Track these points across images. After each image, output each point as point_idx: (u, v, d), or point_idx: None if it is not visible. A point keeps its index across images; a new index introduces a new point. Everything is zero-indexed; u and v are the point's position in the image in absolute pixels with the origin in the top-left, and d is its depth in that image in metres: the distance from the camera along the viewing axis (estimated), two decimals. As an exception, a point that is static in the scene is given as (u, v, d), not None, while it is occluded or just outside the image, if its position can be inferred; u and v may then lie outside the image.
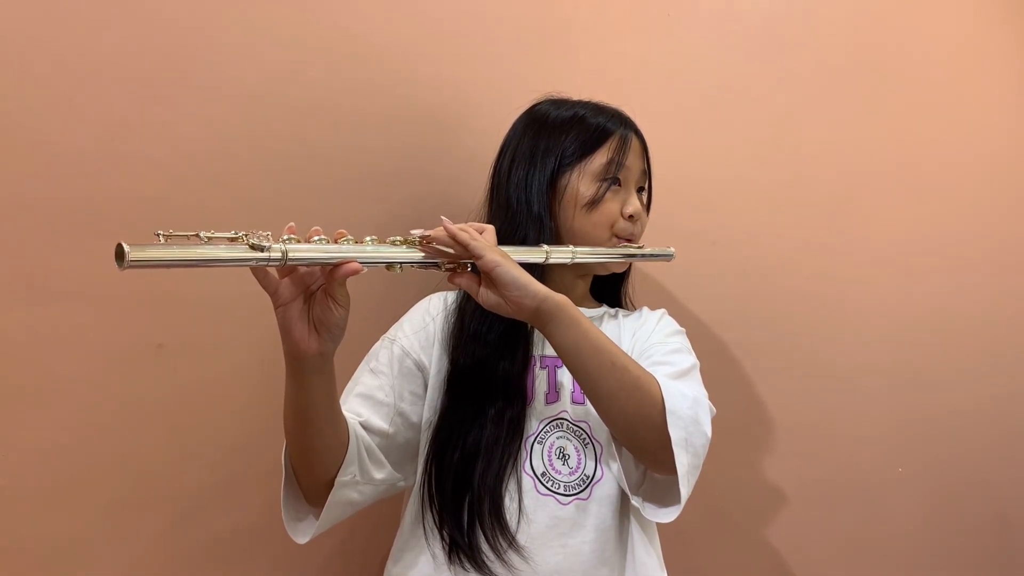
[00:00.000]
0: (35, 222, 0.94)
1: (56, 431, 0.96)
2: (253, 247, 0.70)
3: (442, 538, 0.93)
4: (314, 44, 1.11)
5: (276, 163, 1.09)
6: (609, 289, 1.15)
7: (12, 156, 0.92)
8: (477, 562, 0.90)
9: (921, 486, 1.54)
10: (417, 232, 0.85)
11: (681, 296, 1.38)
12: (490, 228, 0.90)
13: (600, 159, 1.03)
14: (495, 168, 1.08)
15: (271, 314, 1.06)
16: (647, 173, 1.10)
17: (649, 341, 1.01)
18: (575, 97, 1.09)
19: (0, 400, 0.92)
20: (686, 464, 0.85)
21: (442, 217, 0.86)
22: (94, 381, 0.98)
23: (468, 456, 0.93)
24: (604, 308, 1.10)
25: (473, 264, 0.86)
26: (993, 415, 1.59)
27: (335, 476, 0.88)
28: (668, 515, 0.89)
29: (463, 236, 0.84)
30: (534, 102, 1.09)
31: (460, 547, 0.91)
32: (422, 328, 1.01)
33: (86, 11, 0.96)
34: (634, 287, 1.18)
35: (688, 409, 0.87)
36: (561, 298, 0.86)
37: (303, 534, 0.90)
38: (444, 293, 1.05)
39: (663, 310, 1.09)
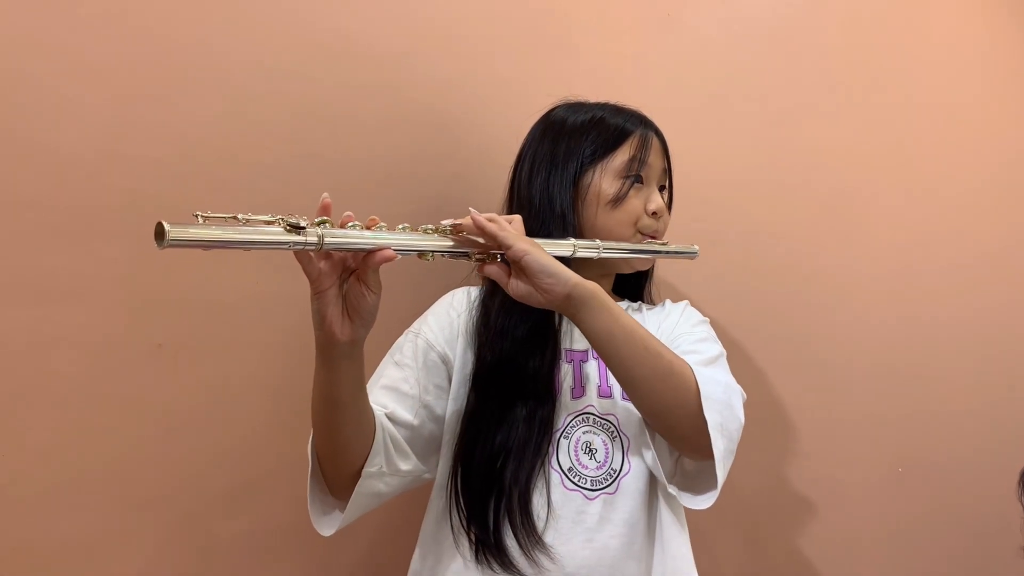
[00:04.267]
0: (35, 222, 0.94)
1: (56, 431, 0.96)
2: (290, 228, 0.70)
3: (469, 538, 0.92)
4: (315, 45, 1.11)
5: (277, 164, 1.09)
6: (633, 289, 1.15)
7: (12, 156, 0.92)
8: (504, 561, 0.90)
9: (921, 486, 1.53)
10: (447, 221, 0.84)
11: (679, 294, 1.37)
12: (517, 218, 0.90)
13: (622, 157, 1.03)
14: (514, 176, 1.07)
15: (271, 314, 1.07)
16: (668, 171, 1.10)
17: (675, 332, 1.01)
18: (591, 100, 1.09)
19: (0, 400, 0.92)
20: (722, 448, 0.86)
21: (470, 208, 0.85)
22: (94, 381, 0.97)
23: (497, 455, 0.93)
24: (627, 303, 1.10)
25: (503, 255, 0.86)
26: (993, 415, 1.59)
27: (361, 467, 0.88)
28: (704, 502, 0.90)
29: (491, 227, 0.83)
30: (549, 108, 1.09)
31: (487, 546, 0.91)
32: (447, 322, 1.01)
33: (86, 11, 0.96)
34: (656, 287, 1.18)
35: (722, 394, 0.88)
36: (592, 284, 0.86)
37: (328, 526, 0.91)
38: (468, 288, 1.05)
39: (686, 302, 1.09)
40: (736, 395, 0.91)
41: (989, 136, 1.63)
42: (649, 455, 0.94)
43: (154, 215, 0.98)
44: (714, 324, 1.40)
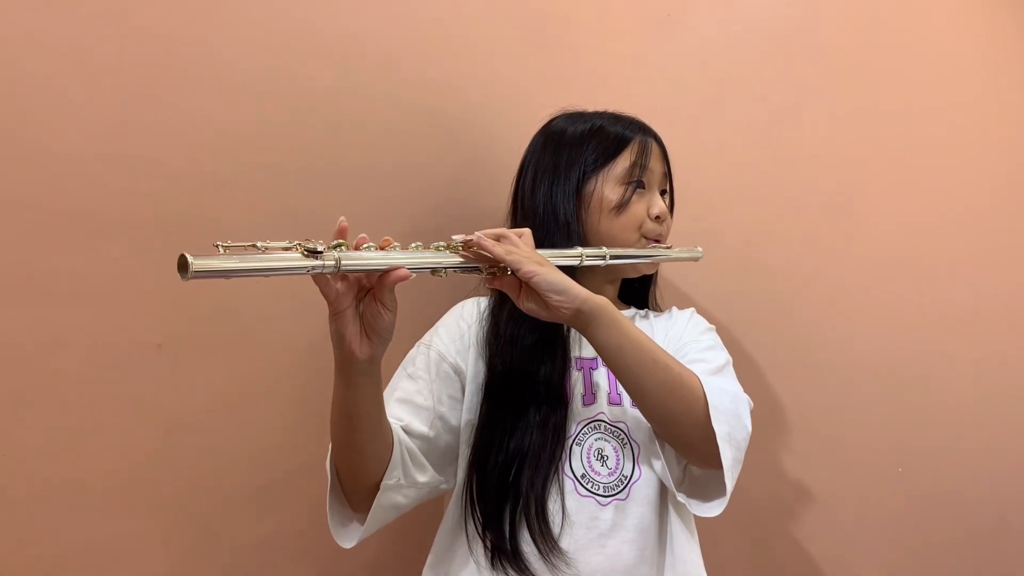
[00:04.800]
0: (35, 222, 0.94)
1: (56, 431, 0.95)
2: (308, 253, 0.73)
3: (485, 544, 0.93)
4: (315, 44, 1.11)
5: (277, 162, 1.09)
6: (637, 293, 1.16)
7: (12, 156, 0.92)
8: (521, 567, 0.91)
9: (921, 486, 1.53)
10: (458, 237, 0.86)
11: (679, 295, 1.37)
12: (527, 232, 0.91)
13: (623, 163, 1.05)
14: (517, 186, 1.09)
15: (272, 314, 1.07)
16: (668, 176, 1.11)
17: (682, 340, 1.02)
18: (590, 108, 1.10)
19: (0, 400, 0.92)
20: (730, 458, 0.87)
21: (476, 233, 0.86)
22: (94, 381, 0.97)
23: (512, 462, 0.94)
24: (633, 310, 1.11)
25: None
26: (993, 415, 1.59)
27: (379, 480, 0.89)
28: (713, 509, 0.91)
29: (498, 250, 0.84)
30: (549, 118, 1.10)
31: (503, 552, 0.92)
32: (457, 334, 1.02)
33: (86, 11, 0.96)
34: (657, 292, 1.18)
35: (729, 403, 0.89)
36: (601, 299, 0.87)
37: (349, 539, 0.92)
38: (477, 298, 1.07)
39: (692, 309, 1.10)
40: (743, 404, 0.92)
41: (990, 136, 1.63)
42: (658, 464, 0.95)
43: (154, 215, 0.99)
44: (716, 325, 1.40)
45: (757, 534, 1.45)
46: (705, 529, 1.25)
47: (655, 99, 1.37)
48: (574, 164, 1.04)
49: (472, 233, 0.85)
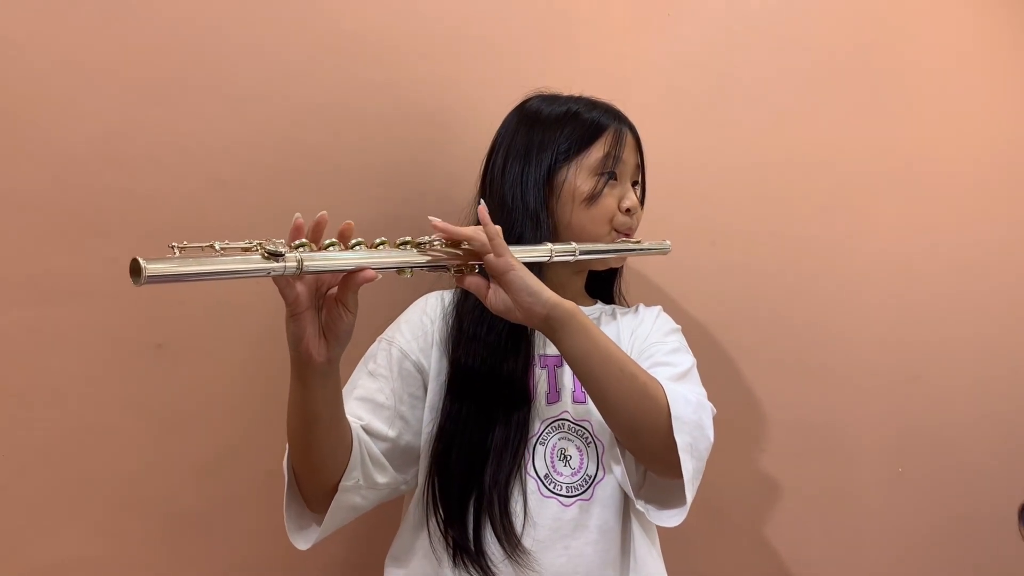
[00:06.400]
0: (35, 222, 0.94)
1: (55, 431, 0.96)
2: (268, 255, 0.69)
3: (447, 542, 0.92)
4: (313, 43, 1.11)
5: (276, 162, 1.09)
6: (602, 285, 1.15)
7: (12, 156, 0.92)
8: (482, 566, 0.90)
9: (921, 486, 1.53)
10: (436, 228, 0.83)
11: (680, 295, 1.37)
12: (499, 229, 0.88)
13: (596, 153, 1.02)
14: (487, 166, 1.07)
15: (270, 313, 1.07)
16: (640, 167, 1.09)
17: (648, 341, 1.01)
18: (565, 93, 1.08)
19: (0, 400, 0.92)
20: (691, 469, 0.86)
21: (430, 218, 0.83)
22: (94, 381, 0.98)
23: (475, 459, 0.92)
24: (600, 306, 1.10)
25: (481, 267, 0.85)
26: (993, 415, 1.59)
27: (338, 482, 0.87)
28: (673, 518, 0.89)
29: (479, 238, 0.82)
30: (524, 98, 1.09)
31: (465, 551, 0.91)
32: (420, 330, 1.00)
33: (86, 11, 0.96)
34: (627, 285, 1.18)
35: (692, 414, 0.87)
36: (571, 305, 0.85)
37: (305, 540, 0.90)
38: (441, 292, 1.04)
39: (659, 307, 1.08)
40: (707, 413, 0.91)
41: (990, 135, 1.63)
42: (619, 469, 0.94)
43: (154, 215, 1.00)
44: (713, 324, 1.40)
45: (755, 534, 1.45)
46: (701, 529, 1.24)
47: (655, 99, 1.37)
48: (546, 148, 1.02)
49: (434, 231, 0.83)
